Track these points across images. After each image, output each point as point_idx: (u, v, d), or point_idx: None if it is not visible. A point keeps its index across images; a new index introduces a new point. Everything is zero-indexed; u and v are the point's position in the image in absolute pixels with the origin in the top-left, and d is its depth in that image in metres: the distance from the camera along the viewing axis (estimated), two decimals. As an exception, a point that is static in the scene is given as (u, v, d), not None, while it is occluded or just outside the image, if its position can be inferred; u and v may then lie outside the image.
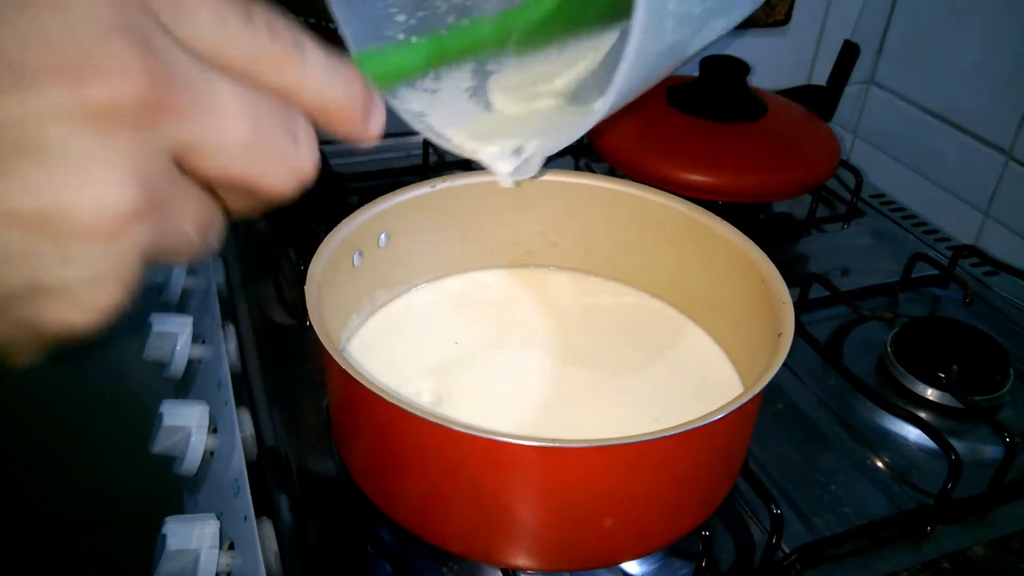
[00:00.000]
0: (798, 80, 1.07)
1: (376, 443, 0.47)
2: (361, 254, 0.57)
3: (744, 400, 0.43)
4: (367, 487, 0.50)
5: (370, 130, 0.29)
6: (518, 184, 0.45)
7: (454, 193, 0.61)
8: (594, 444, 0.40)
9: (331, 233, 0.54)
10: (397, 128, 0.98)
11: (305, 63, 0.27)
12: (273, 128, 0.26)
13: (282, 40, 0.26)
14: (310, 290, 0.49)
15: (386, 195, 0.58)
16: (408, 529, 0.49)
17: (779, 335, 0.48)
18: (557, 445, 0.40)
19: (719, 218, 0.57)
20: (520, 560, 0.46)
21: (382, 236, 0.58)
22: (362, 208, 0.56)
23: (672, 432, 0.41)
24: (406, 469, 0.46)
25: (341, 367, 0.43)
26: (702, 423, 0.41)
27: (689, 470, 0.45)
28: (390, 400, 0.41)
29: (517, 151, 0.43)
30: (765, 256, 0.54)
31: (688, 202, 0.59)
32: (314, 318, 0.47)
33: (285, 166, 0.27)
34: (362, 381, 0.42)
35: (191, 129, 0.24)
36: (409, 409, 0.41)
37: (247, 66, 0.26)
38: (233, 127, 0.25)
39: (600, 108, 0.36)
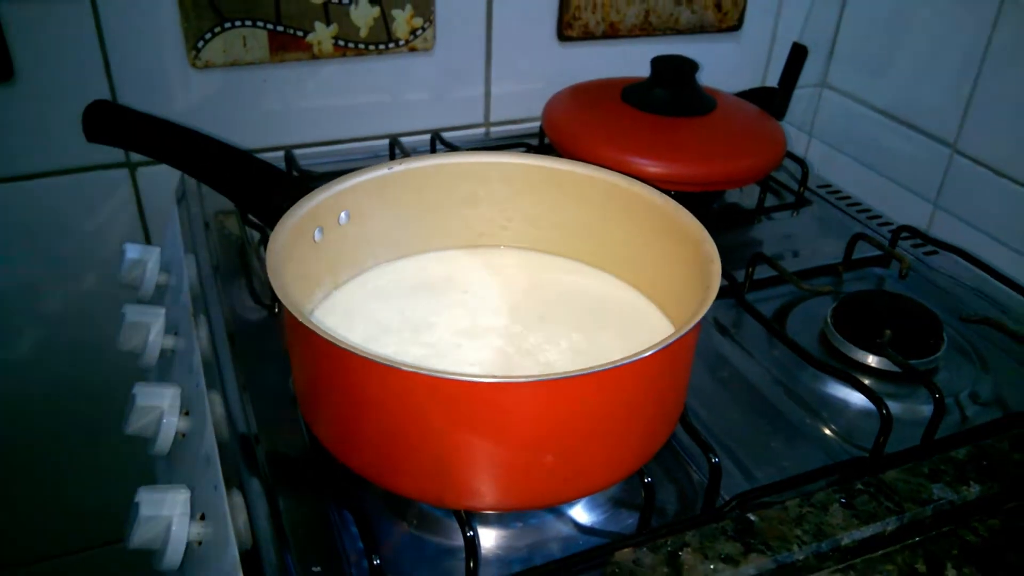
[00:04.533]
0: (753, 83, 1.11)
1: (329, 391, 0.50)
2: (322, 230, 0.60)
3: (673, 339, 0.46)
4: (326, 439, 0.53)
5: None
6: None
7: (410, 175, 0.64)
8: (533, 379, 0.44)
9: (292, 207, 0.57)
10: (365, 132, 1.02)
11: None
12: None
13: None
14: (271, 255, 0.52)
15: (346, 175, 0.61)
16: (366, 478, 0.51)
17: (707, 288, 0.51)
18: (498, 380, 0.43)
19: (658, 191, 0.61)
20: (471, 500, 0.49)
21: (342, 214, 0.61)
22: (322, 187, 0.60)
23: (608, 367, 0.44)
24: (358, 414, 0.48)
25: (295, 318, 0.46)
26: (636, 358, 0.45)
27: (626, 407, 0.48)
28: (337, 343, 0.44)
29: None
30: (698, 222, 0.57)
31: (629, 177, 0.63)
32: (273, 279, 0.50)
33: None
34: (314, 329, 0.45)
35: None
36: (357, 352, 0.44)
37: None
38: None
39: None
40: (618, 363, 0.44)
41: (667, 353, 0.46)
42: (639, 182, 0.62)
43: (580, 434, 0.47)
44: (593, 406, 0.46)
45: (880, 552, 0.45)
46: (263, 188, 0.60)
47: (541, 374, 0.43)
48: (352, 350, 0.44)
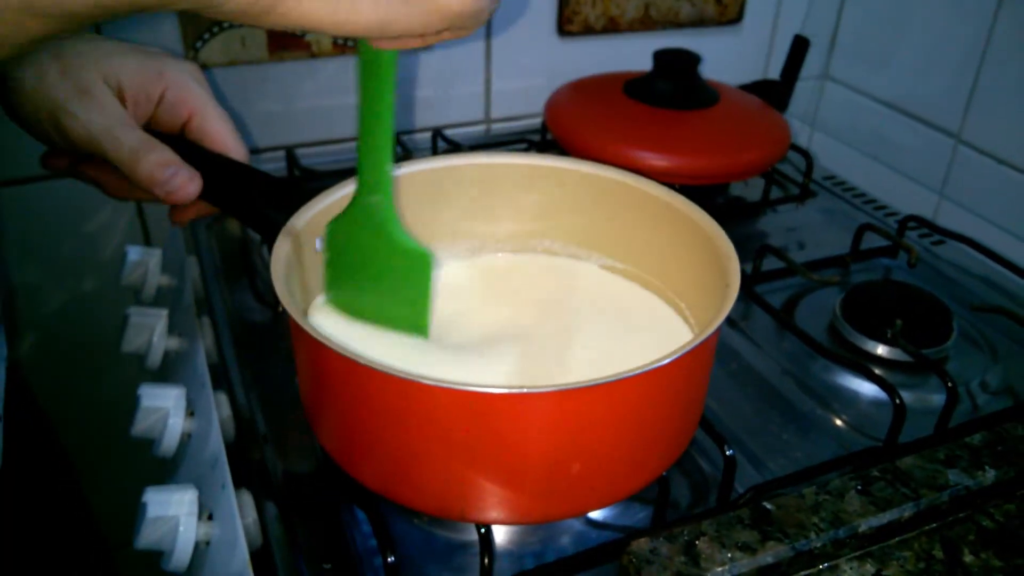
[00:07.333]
0: (754, 77, 1.11)
1: (343, 407, 0.49)
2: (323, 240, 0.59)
3: (696, 343, 0.45)
4: (341, 459, 0.51)
5: None
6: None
7: (408, 180, 0.62)
8: (557, 388, 0.42)
9: (292, 218, 0.55)
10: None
11: None
12: None
13: None
14: (276, 268, 0.50)
15: (344, 182, 0.59)
16: (384, 495, 0.50)
17: (727, 286, 0.50)
18: (524, 391, 0.42)
19: (665, 187, 0.59)
20: (495, 514, 0.47)
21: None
22: (319, 195, 0.57)
23: (631, 374, 0.42)
24: (377, 433, 0.47)
25: (303, 330, 0.44)
26: (659, 364, 0.43)
27: (649, 413, 0.47)
28: (352, 358, 0.43)
29: None
30: (709, 218, 0.56)
31: (634, 174, 0.61)
32: (280, 293, 0.48)
33: None
34: (324, 341, 0.43)
35: None
36: (374, 366, 0.42)
37: None
38: None
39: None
40: (644, 368, 0.43)
41: (691, 356, 0.45)
42: (648, 180, 0.61)
43: (606, 442, 0.46)
44: (619, 412, 0.45)
45: (897, 539, 0.45)
46: (259, 200, 0.59)
47: (564, 383, 0.42)
48: (371, 365, 0.42)
